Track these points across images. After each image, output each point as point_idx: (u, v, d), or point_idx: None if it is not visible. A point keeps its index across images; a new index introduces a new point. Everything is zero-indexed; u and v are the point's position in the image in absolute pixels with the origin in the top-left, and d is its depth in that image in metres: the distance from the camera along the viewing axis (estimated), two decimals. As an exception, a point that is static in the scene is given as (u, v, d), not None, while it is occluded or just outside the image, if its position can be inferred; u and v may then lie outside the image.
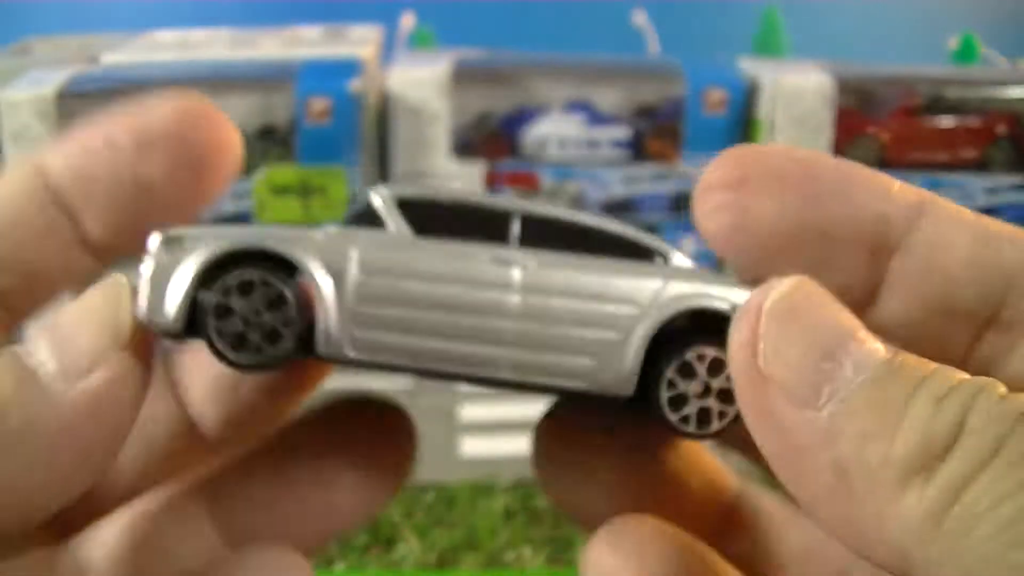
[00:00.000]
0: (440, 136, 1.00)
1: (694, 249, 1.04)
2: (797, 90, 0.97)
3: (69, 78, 1.00)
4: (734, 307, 0.33)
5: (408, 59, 1.05)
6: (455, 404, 0.98)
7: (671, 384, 0.33)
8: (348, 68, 1.00)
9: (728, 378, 0.31)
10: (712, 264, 1.04)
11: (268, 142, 1.02)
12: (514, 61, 1.12)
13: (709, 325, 0.33)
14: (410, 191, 0.35)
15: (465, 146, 1.05)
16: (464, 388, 1.02)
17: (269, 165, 0.99)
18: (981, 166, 1.03)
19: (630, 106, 1.12)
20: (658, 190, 1.02)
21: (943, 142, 1.03)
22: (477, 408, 0.97)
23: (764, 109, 0.99)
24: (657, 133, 1.05)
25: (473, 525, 0.79)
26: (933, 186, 1.00)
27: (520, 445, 0.92)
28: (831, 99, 0.97)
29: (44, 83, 0.97)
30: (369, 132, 0.98)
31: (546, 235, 0.35)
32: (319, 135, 0.97)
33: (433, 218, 0.34)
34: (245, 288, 0.32)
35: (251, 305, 0.32)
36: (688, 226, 1.04)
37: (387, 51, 1.39)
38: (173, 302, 0.32)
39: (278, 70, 1.05)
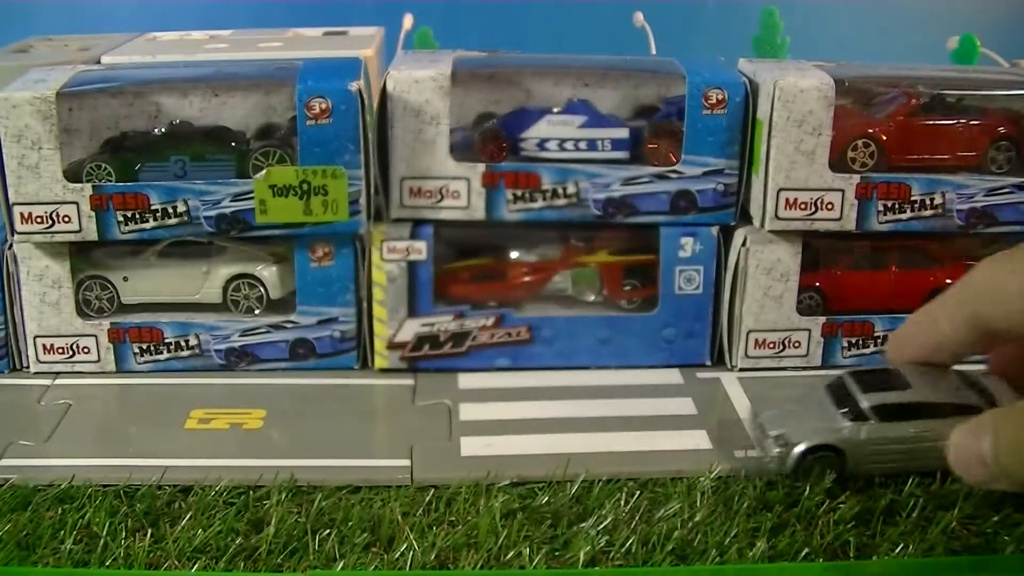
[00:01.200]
0: (440, 136, 1.00)
1: (693, 249, 1.04)
2: (797, 90, 0.97)
3: (69, 78, 1.00)
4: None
5: (408, 59, 1.05)
6: (455, 404, 0.98)
7: None
8: (348, 68, 1.00)
9: None
10: (710, 260, 1.04)
11: (268, 142, 1.02)
12: (514, 61, 1.12)
13: None
14: (880, 402, 0.84)
15: (465, 146, 1.05)
16: (464, 388, 1.02)
17: (269, 165, 0.99)
18: (981, 166, 1.03)
19: (630, 106, 1.13)
20: (658, 190, 1.02)
21: (943, 142, 1.03)
22: (477, 408, 0.97)
23: (764, 109, 0.99)
24: (657, 133, 1.05)
25: (473, 525, 0.79)
26: (933, 186, 1.00)
27: (520, 445, 0.93)
28: (831, 99, 0.97)
29: (44, 83, 0.97)
30: (369, 132, 0.98)
31: (936, 412, 0.82)
32: (319, 135, 0.97)
33: (890, 411, 0.83)
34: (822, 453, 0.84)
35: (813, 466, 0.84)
36: (687, 226, 1.04)
37: (387, 51, 1.39)
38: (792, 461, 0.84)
39: (278, 70, 1.05)
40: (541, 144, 1.04)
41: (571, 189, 1.02)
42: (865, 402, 0.84)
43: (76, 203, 0.97)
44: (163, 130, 1.05)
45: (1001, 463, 0.60)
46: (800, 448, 0.83)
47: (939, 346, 0.80)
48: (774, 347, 1.05)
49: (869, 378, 0.87)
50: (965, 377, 0.85)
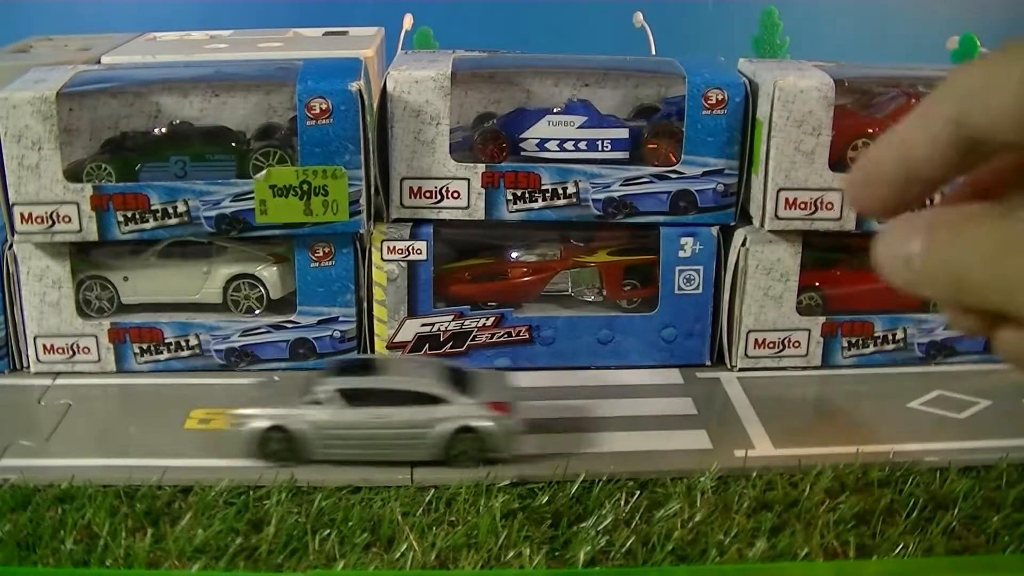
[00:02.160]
0: (440, 136, 1.00)
1: (693, 249, 1.04)
2: (797, 90, 0.97)
3: (69, 78, 1.00)
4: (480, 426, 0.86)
5: (408, 59, 1.05)
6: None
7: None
8: (348, 68, 1.00)
9: None
10: (709, 260, 1.04)
11: (268, 142, 1.02)
12: (514, 61, 1.12)
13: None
14: (345, 386, 0.86)
15: (465, 146, 1.05)
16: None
17: (269, 165, 0.99)
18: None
19: (630, 106, 1.13)
20: (658, 190, 1.02)
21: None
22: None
23: (764, 109, 0.99)
24: (657, 133, 1.05)
25: (473, 525, 0.79)
26: (933, 186, 1.00)
27: (520, 445, 0.92)
28: (831, 99, 0.97)
29: (44, 83, 0.97)
30: (369, 132, 0.98)
31: (396, 399, 0.85)
32: (319, 135, 0.97)
33: (353, 394, 0.86)
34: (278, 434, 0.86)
35: (279, 446, 0.86)
36: (687, 226, 1.04)
37: (387, 51, 1.39)
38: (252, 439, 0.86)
39: (278, 70, 1.06)
40: (541, 144, 1.04)
41: (571, 189, 1.02)
42: (329, 386, 0.86)
43: (76, 203, 0.97)
44: (163, 130, 1.05)
45: (928, 269, 0.50)
46: (253, 427, 0.85)
47: (913, 174, 0.66)
48: (774, 347, 1.05)
49: (347, 364, 0.91)
50: (454, 371, 0.88)
